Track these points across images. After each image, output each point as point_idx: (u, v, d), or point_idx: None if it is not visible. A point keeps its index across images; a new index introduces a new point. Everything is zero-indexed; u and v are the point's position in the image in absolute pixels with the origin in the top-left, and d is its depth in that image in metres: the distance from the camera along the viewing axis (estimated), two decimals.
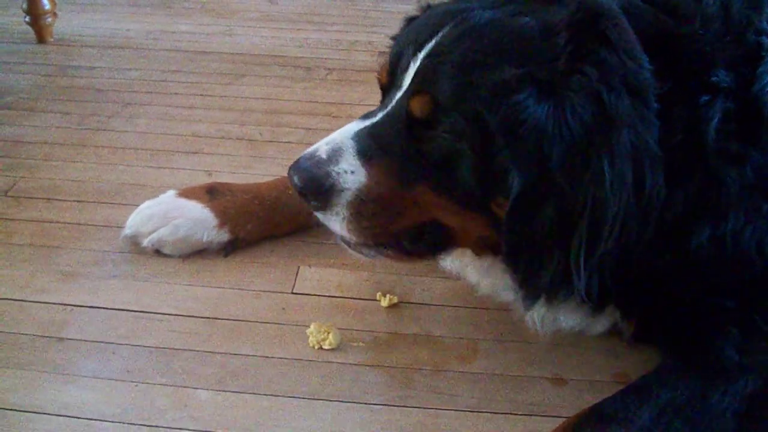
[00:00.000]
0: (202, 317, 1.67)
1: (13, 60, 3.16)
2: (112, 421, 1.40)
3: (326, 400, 1.47)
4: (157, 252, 1.85)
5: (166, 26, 3.60)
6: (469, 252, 1.55)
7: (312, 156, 1.42)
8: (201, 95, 2.85)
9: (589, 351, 1.61)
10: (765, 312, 1.35)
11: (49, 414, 1.41)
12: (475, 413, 1.46)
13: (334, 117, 2.67)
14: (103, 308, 1.68)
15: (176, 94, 2.85)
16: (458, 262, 1.66)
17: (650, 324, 1.49)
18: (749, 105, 1.29)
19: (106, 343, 1.59)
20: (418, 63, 1.36)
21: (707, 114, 1.27)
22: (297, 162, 1.43)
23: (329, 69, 3.15)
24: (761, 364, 1.31)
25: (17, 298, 1.70)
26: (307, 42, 3.48)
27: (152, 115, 2.66)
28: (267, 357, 1.57)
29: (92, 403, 1.44)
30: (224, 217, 1.86)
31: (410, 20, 1.57)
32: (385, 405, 1.47)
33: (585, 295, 1.29)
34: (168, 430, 1.39)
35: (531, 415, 1.46)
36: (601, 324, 1.55)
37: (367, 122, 1.43)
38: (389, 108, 1.41)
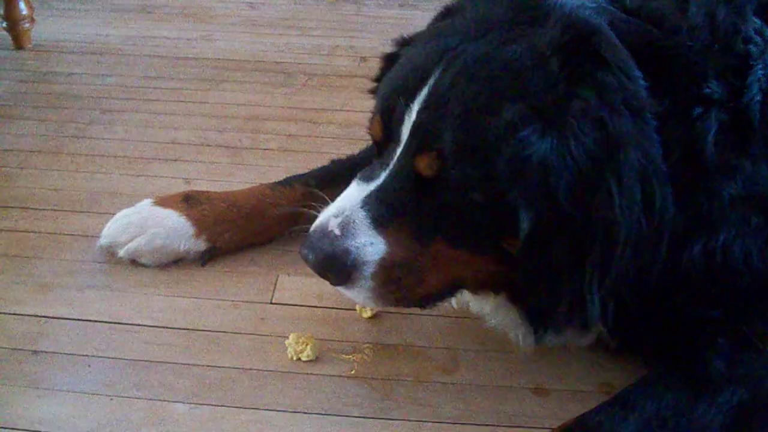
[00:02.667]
0: (179, 328, 1.64)
1: None
2: None
3: (306, 412, 1.45)
4: (134, 262, 1.82)
5: (145, 32, 3.56)
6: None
7: (324, 232, 1.35)
8: (180, 101, 2.82)
9: (573, 361, 1.59)
10: (753, 323, 1.34)
11: (21, 429, 1.39)
12: (457, 425, 1.44)
13: (315, 123, 2.63)
14: (79, 320, 1.66)
15: (155, 100, 2.82)
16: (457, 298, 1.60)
17: (636, 335, 1.47)
18: (740, 115, 1.28)
19: (81, 355, 1.56)
20: (413, 115, 1.30)
21: (703, 127, 1.26)
22: (309, 240, 1.37)
23: (310, 74, 3.11)
24: (749, 376, 1.30)
25: None
26: (287, 47, 3.45)
27: (131, 122, 2.62)
28: (245, 369, 1.54)
29: (66, 417, 1.42)
30: (201, 226, 1.83)
31: (389, 58, 1.53)
32: (365, 417, 1.45)
33: (600, 321, 1.28)
34: None
35: (514, 426, 1.45)
36: (586, 338, 1.54)
37: (372, 185, 1.36)
38: (392, 166, 1.34)
